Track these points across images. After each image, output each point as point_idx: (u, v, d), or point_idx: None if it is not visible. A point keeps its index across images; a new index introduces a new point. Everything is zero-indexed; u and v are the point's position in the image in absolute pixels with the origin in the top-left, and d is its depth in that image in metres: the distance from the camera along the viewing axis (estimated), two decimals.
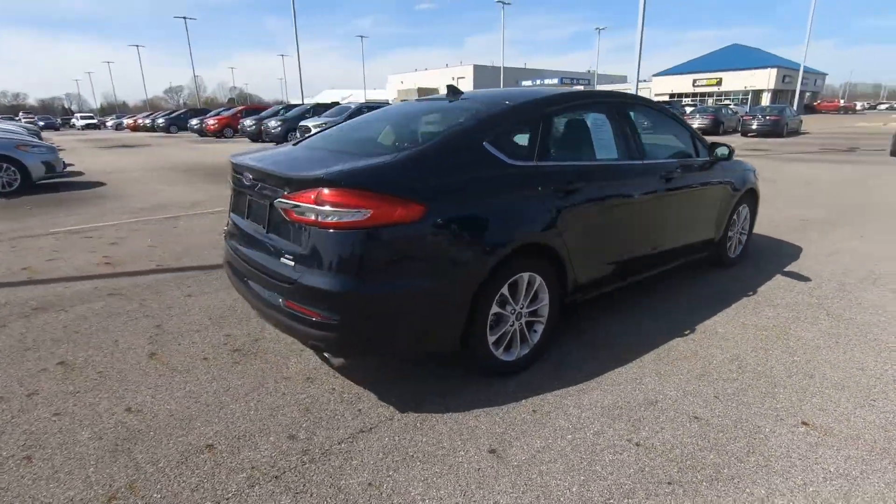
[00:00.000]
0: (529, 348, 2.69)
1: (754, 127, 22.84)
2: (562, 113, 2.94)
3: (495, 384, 2.57)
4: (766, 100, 53.10)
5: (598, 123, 3.17)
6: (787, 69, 54.18)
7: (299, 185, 2.14)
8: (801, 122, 26.31)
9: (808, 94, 62.19)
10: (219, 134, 25.95)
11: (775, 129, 22.36)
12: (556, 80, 59.81)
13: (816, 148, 17.28)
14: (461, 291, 2.27)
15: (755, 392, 2.50)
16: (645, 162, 3.27)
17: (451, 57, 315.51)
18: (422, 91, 69.61)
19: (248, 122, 22.23)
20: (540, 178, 2.58)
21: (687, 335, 3.14)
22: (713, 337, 3.11)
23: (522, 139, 2.64)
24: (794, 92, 56.42)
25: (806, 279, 4.15)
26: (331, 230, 2.06)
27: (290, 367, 2.75)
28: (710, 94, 58.13)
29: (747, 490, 1.87)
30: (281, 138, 19.60)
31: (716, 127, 24.11)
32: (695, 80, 59.88)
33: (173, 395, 2.48)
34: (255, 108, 28.64)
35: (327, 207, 2.05)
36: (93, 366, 2.77)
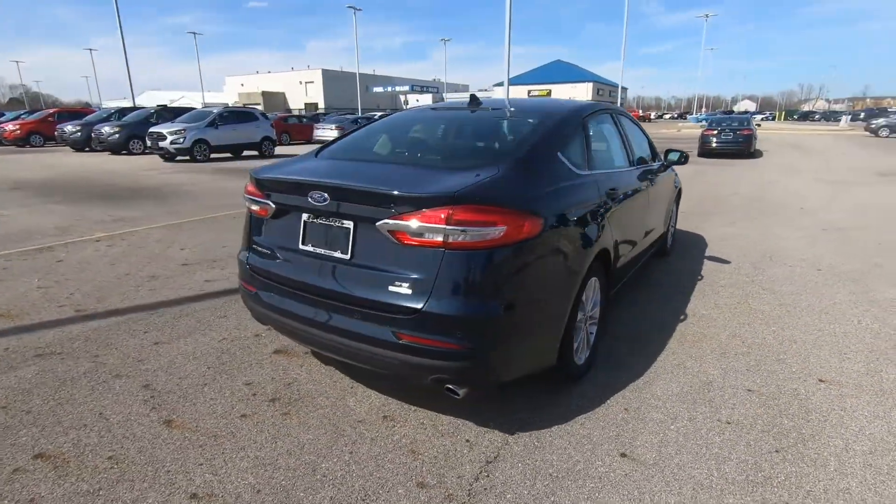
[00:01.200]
0: (589, 350, 2.78)
1: None
2: (592, 122, 3.10)
3: (566, 390, 2.61)
4: None
5: (610, 132, 3.42)
6: (600, 84, 63.43)
7: (420, 203, 1.92)
8: None
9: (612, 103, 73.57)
10: (22, 142, 21.15)
11: None
12: (407, 87, 61.32)
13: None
14: (566, 302, 2.28)
15: (770, 361, 2.95)
16: (637, 166, 3.62)
17: (293, 60, 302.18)
18: (266, 95, 65.40)
19: (69, 127, 18.52)
20: (596, 186, 2.69)
21: (684, 320, 3.54)
22: (704, 319, 3.57)
23: (576, 149, 2.73)
24: (610, 102, 66.32)
25: (726, 262, 4.97)
26: (465, 250, 1.90)
27: (355, 409, 2.43)
28: None
29: (830, 443, 2.21)
30: (121, 147, 16.76)
31: None
32: (529, 91, 66.51)
33: (240, 467, 2.02)
34: (70, 110, 23.97)
35: (461, 227, 1.88)
36: (93, 451, 2.11)
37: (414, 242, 1.95)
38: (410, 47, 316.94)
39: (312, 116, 28.59)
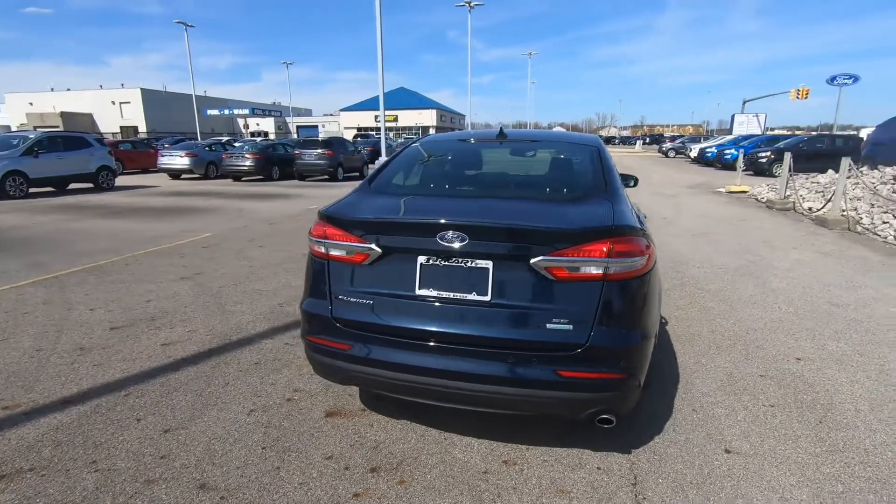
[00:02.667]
0: None
1: None
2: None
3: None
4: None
5: None
6: (443, 111, 67.47)
7: (579, 237, 1.92)
8: None
9: (457, 129, 78.98)
10: None
11: None
12: (246, 111, 57.40)
13: None
14: (657, 323, 2.46)
15: (754, 348, 3.53)
16: None
17: (96, 77, 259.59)
18: (67, 116, 55.30)
19: None
20: None
21: (667, 323, 4.03)
22: (680, 320, 4.10)
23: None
24: (450, 128, 70.40)
25: None
26: (621, 281, 1.95)
27: (469, 459, 2.27)
28: (391, 129, 66.89)
29: (844, 406, 2.75)
30: None
31: (376, 156, 26.67)
32: (376, 116, 67.74)
33: None
34: None
35: (620, 258, 1.93)
36: None
37: (571, 277, 1.94)
38: (240, 68, 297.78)
39: (143, 141, 25.08)
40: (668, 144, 36.74)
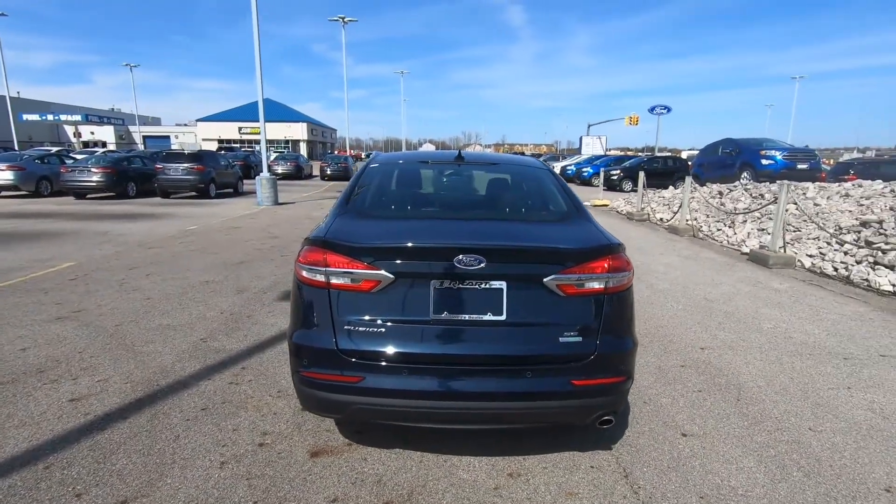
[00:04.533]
0: None
1: (329, 172, 27.25)
2: None
3: None
4: (303, 148, 62.37)
5: None
6: (314, 125, 65.52)
7: (586, 256, 2.09)
8: (312, 166, 32.45)
9: (329, 143, 77.20)
10: None
11: (346, 174, 27.39)
12: (79, 117, 49.36)
13: None
14: None
15: (684, 345, 4.09)
16: None
17: None
18: None
19: None
20: None
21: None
22: (653, 327, 4.56)
23: None
24: (321, 142, 68.64)
25: None
26: (618, 293, 2.16)
27: (476, 478, 2.30)
28: (257, 142, 62.94)
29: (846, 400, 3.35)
30: None
31: (249, 170, 25.57)
32: (240, 128, 63.25)
33: None
34: None
35: (616, 273, 2.14)
36: None
37: (579, 292, 2.11)
38: (63, 68, 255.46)
39: None
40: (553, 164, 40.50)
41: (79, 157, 18.69)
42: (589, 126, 52.26)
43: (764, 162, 12.36)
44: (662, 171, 20.66)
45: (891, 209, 7.54)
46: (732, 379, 3.44)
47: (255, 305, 4.81)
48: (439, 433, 2.61)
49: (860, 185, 8.92)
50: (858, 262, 6.91)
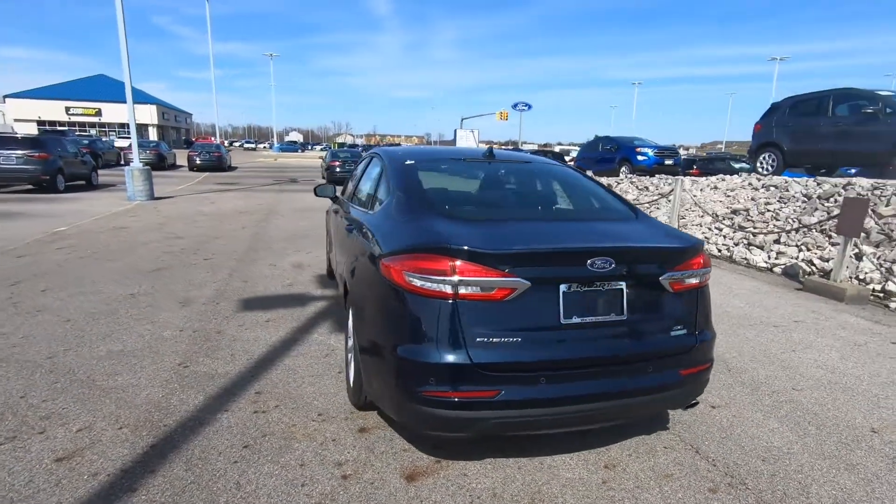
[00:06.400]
0: None
1: (198, 162, 24.42)
2: None
3: None
4: (153, 134, 54.88)
5: None
6: (165, 107, 57.86)
7: (690, 253, 2.22)
8: (175, 154, 28.93)
9: (184, 129, 69.01)
10: None
11: (220, 164, 24.82)
12: None
13: (271, 180, 21.01)
14: None
15: None
16: None
17: None
18: None
19: None
20: None
21: None
22: None
23: None
24: (174, 128, 61.21)
25: None
26: (705, 286, 2.34)
27: (579, 476, 2.33)
28: (92, 125, 53.71)
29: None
30: None
31: (96, 159, 22.65)
32: (69, 108, 53.37)
33: None
34: None
35: (706, 268, 2.31)
36: None
37: (683, 288, 2.24)
38: None
39: None
40: None
41: None
42: (462, 119, 54.16)
43: (639, 158, 14.09)
44: None
45: (752, 199, 9.15)
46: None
47: (216, 319, 4.19)
48: (515, 437, 2.58)
49: (724, 179, 10.66)
50: (736, 244, 8.31)
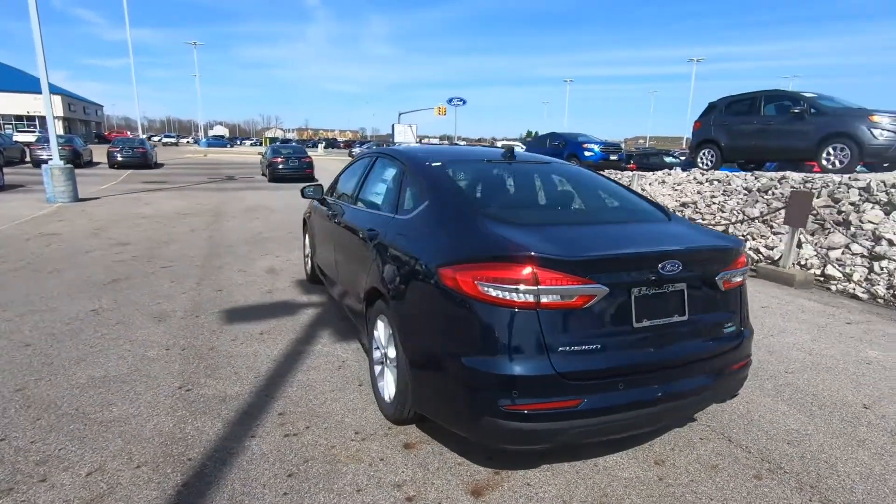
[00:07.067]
0: None
1: (119, 159, 22.44)
2: None
3: None
4: (59, 127, 49.67)
5: None
6: (72, 99, 52.47)
7: (739, 253, 2.29)
8: (92, 151, 26.38)
9: (94, 123, 63.10)
10: None
11: (145, 160, 22.93)
12: None
13: (206, 178, 19.71)
14: None
15: None
16: None
17: None
18: None
19: None
20: None
21: None
22: None
23: None
24: (83, 121, 55.88)
25: None
26: (744, 284, 2.43)
27: (634, 474, 2.37)
28: None
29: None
30: None
31: None
32: None
33: None
34: None
35: (746, 267, 2.41)
36: None
37: (731, 286, 2.32)
38: None
39: None
40: (357, 149, 40.46)
41: None
42: (400, 114, 53.79)
43: (587, 153, 14.64)
44: None
45: (698, 193, 9.79)
46: None
47: (202, 334, 3.85)
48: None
49: (670, 174, 11.31)
50: None
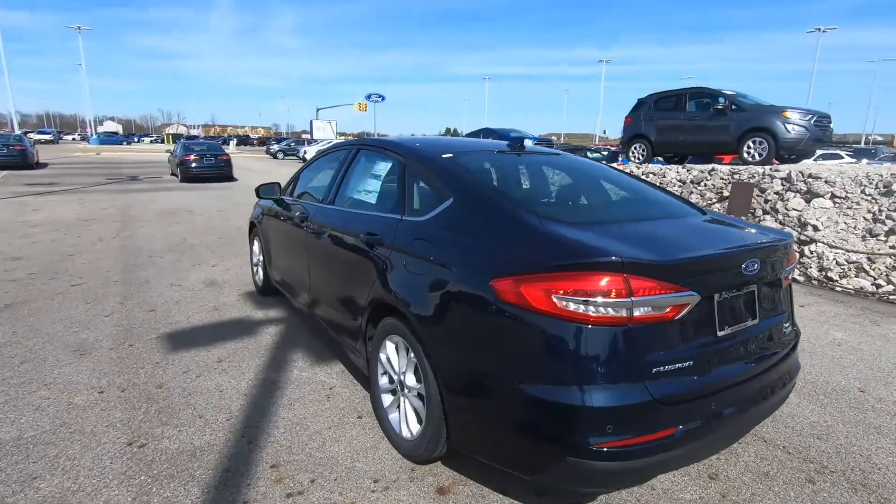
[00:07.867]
0: None
1: None
2: None
3: None
4: None
5: None
6: None
7: (792, 249, 2.12)
8: None
9: None
10: None
11: (25, 160, 19.90)
12: None
13: (104, 179, 17.48)
14: None
15: None
16: None
17: None
18: None
19: None
20: None
21: None
22: None
23: None
24: None
25: None
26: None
27: (687, 488, 2.15)
28: None
29: None
30: None
31: None
32: None
33: None
34: None
35: (796, 262, 2.27)
36: None
37: (787, 283, 2.16)
38: None
39: None
40: (275, 146, 38.20)
41: None
42: (318, 110, 51.74)
43: None
44: None
45: None
46: None
47: (145, 368, 3.14)
48: None
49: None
50: None
